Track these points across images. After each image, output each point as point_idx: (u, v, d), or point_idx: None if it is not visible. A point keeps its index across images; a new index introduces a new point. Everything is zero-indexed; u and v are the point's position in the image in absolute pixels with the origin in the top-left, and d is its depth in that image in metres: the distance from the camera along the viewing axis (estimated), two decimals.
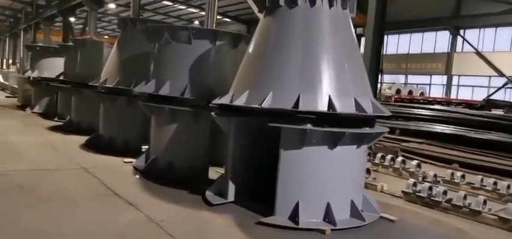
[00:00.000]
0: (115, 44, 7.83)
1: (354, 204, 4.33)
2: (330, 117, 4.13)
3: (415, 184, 5.55)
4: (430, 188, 5.39)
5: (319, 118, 4.20)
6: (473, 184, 6.37)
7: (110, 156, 6.73)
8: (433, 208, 5.23)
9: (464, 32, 25.94)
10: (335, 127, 4.12)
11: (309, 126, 4.06)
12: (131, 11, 19.07)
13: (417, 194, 5.40)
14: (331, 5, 4.43)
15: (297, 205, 4.11)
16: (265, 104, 4.09)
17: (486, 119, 10.26)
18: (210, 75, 5.82)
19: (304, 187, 4.18)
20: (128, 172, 5.93)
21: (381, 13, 8.19)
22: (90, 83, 7.85)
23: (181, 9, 37.48)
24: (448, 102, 17.10)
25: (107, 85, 7.32)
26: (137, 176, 5.61)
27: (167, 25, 6.10)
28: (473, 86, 25.70)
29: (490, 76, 24.98)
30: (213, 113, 4.91)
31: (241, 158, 4.77)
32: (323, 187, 4.21)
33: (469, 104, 15.92)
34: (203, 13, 37.46)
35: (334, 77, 4.25)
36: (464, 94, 25.45)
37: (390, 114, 4.59)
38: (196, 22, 39.52)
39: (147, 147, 7.34)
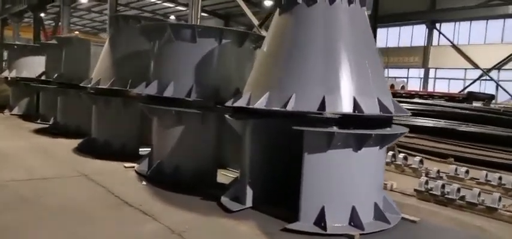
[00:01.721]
0: (106, 43, 7.48)
1: (377, 206, 4.24)
2: (355, 119, 4.03)
3: (426, 182, 5.52)
4: (443, 186, 5.38)
5: (343, 120, 4.10)
6: (478, 179, 6.42)
7: (107, 161, 6.43)
8: (446, 205, 5.21)
9: (440, 26, 26.50)
10: (359, 128, 4.03)
11: (335, 129, 3.95)
12: (108, 6, 18.52)
13: (430, 192, 5.38)
14: (350, 2, 4.31)
15: (323, 209, 3.98)
16: (290, 107, 3.93)
17: (477, 113, 10.39)
18: (215, 75, 5.61)
19: (329, 191, 4.06)
20: (132, 177, 5.66)
21: (374, 7, 8.13)
22: (81, 84, 7.47)
23: (156, 4, 36.76)
24: (429, 95, 17.39)
25: (100, 86, 6.98)
26: (144, 183, 5.36)
27: (170, 23, 5.85)
28: (449, 79, 26.31)
29: (465, 69, 25.63)
30: (227, 115, 4.71)
31: (259, 161, 4.60)
32: (348, 190, 4.10)
33: (451, 97, 16.24)
34: (179, 7, 36.92)
35: (357, 76, 4.13)
36: (441, 87, 26.01)
37: (410, 114, 4.51)
38: (172, 17, 38.88)
39: (145, 149, 7.12)
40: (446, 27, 26.15)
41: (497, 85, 24.37)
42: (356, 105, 3.96)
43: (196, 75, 5.53)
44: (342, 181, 4.07)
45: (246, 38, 5.76)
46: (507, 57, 23.70)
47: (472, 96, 16.20)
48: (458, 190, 5.27)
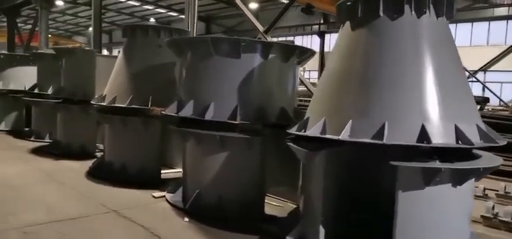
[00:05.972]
0: (120, 56, 6.74)
1: None
2: (456, 151, 3.51)
3: (493, 207, 5.09)
4: None
5: (436, 150, 3.58)
6: None
7: (130, 189, 5.71)
8: None
9: None
10: (460, 160, 3.52)
11: (438, 163, 3.42)
12: (92, 9, 17.54)
13: (499, 218, 4.95)
14: (438, 15, 3.80)
15: None
16: (385, 138, 3.37)
17: (491, 121, 10.11)
18: (260, 93, 5.02)
19: (427, 233, 3.53)
20: (169, 211, 4.98)
21: None
22: (93, 102, 6.69)
23: (135, 7, 35.72)
24: None
25: (117, 104, 6.24)
26: (186, 219, 4.70)
27: (210, 36, 5.20)
28: None
29: None
30: (291, 144, 4.11)
31: (331, 195, 4.02)
32: (447, 230, 3.58)
33: None
34: (159, 10, 35.94)
35: (453, 100, 3.61)
36: None
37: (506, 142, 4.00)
38: (152, 19, 37.82)
39: (167, 172, 6.53)
40: None
41: (484, 86, 24.58)
42: (459, 135, 3.44)
43: (240, 95, 4.92)
44: (441, 220, 3.54)
45: (293, 53, 5.19)
46: (493, 59, 23.95)
47: None
48: None
